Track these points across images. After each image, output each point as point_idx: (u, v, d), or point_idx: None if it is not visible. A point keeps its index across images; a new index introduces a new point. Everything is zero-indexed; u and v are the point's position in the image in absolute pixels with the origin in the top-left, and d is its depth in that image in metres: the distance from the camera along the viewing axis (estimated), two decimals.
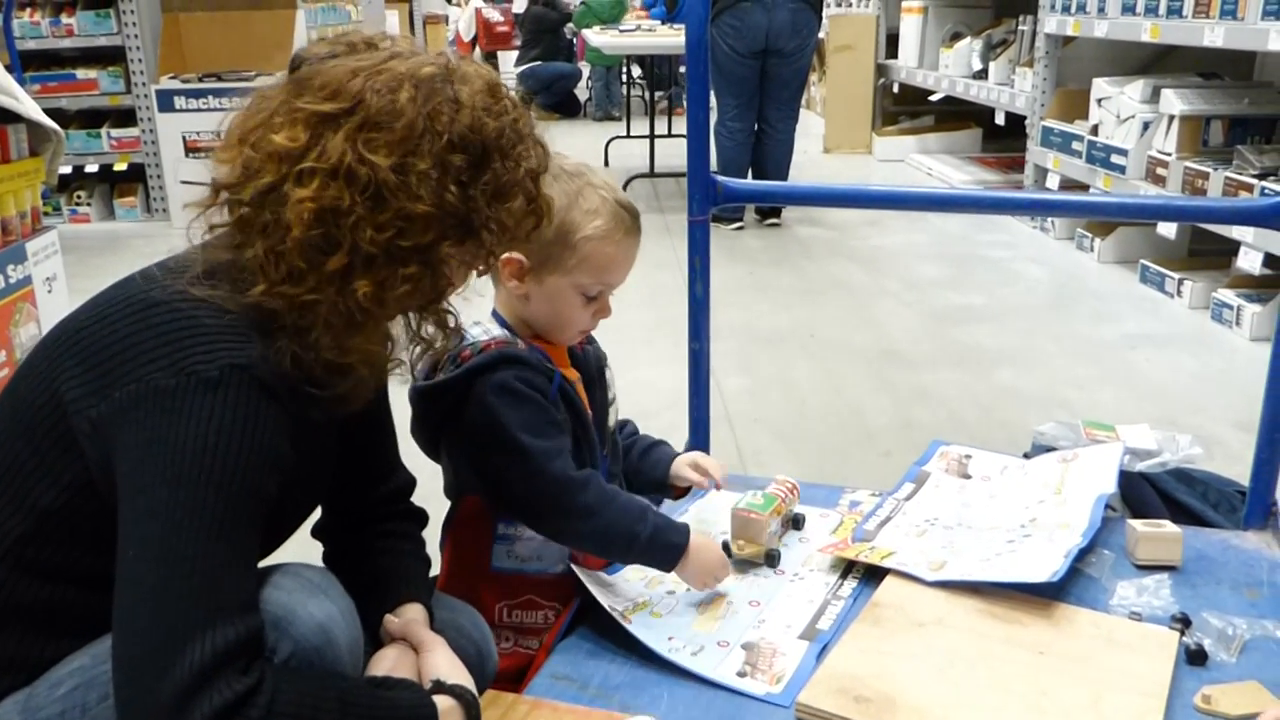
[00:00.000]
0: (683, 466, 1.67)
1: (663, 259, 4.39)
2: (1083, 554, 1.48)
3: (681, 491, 1.71)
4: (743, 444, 2.75)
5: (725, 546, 1.52)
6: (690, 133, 1.72)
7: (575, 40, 10.15)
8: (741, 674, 1.30)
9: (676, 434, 1.91)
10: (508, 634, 1.43)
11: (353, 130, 0.98)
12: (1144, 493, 1.79)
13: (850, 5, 8.16)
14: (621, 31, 6.86)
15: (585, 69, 10.12)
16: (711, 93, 1.91)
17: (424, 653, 1.11)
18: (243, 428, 0.93)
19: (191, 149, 5.46)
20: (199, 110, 5.40)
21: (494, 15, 12.10)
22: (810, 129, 7.43)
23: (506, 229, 1.06)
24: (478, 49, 12.63)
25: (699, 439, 1.93)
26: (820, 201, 4.20)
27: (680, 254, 4.53)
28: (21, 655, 1.04)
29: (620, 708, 1.23)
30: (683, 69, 5.05)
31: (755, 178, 5.14)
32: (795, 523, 1.66)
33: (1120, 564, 1.52)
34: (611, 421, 1.60)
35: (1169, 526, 1.54)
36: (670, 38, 6.36)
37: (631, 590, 1.46)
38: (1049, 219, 4.93)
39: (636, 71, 9.81)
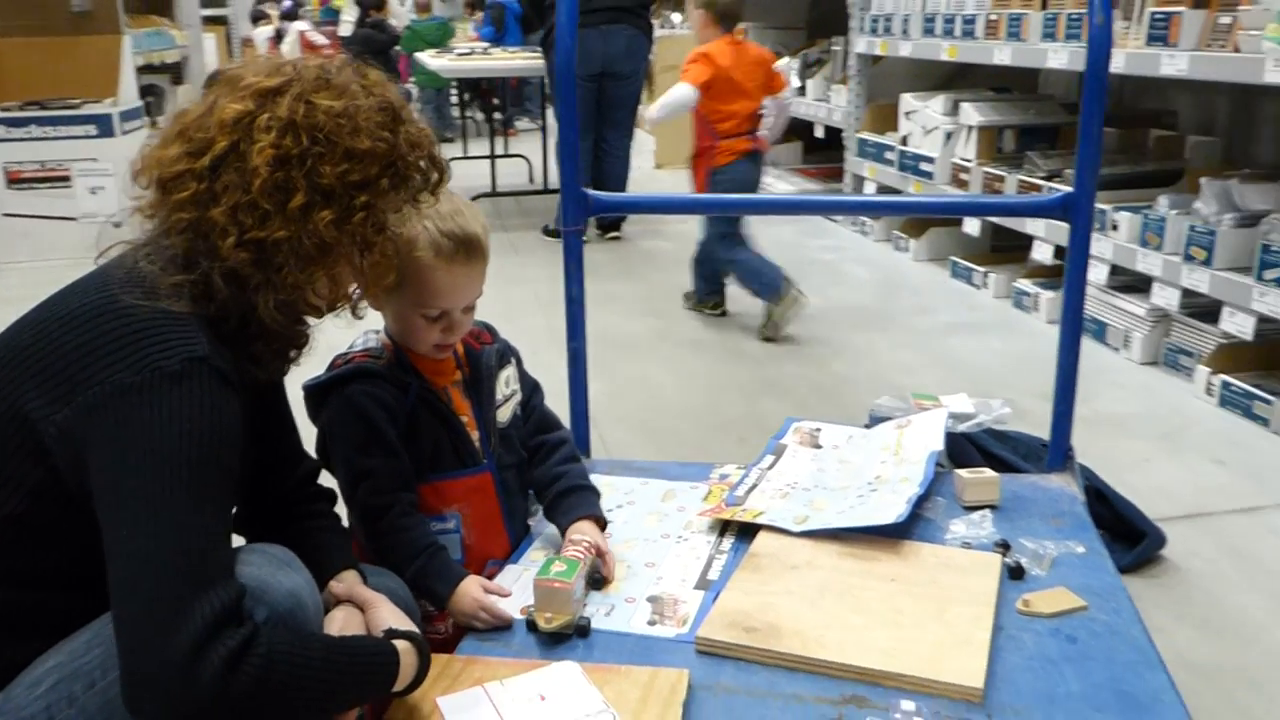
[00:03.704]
0: (570, 532, 1.66)
1: (513, 275, 4.56)
2: (921, 500, 1.75)
3: None
4: (608, 441, 2.94)
5: (530, 623, 1.46)
6: (562, 151, 1.92)
7: (399, 62, 10.18)
8: (651, 623, 1.49)
9: None
10: (445, 619, 1.53)
11: (297, 92, 1.16)
12: (966, 449, 2.09)
13: (675, 27, 8.51)
14: (459, 55, 6.98)
15: (413, 91, 10.17)
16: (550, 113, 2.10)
17: (370, 609, 1.27)
18: (209, 413, 1.06)
19: (14, 180, 5.29)
20: (22, 140, 5.24)
21: (318, 38, 11.95)
22: (642, 146, 7.70)
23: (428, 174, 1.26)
24: None
25: (579, 431, 2.12)
26: (689, 210, 4.46)
27: (529, 270, 4.73)
28: None
29: (543, 659, 1.40)
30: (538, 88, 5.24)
31: None
32: (596, 583, 1.58)
33: (951, 507, 1.79)
34: (505, 416, 1.68)
35: (988, 473, 1.82)
36: (508, 61, 6.53)
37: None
38: (869, 223, 5.33)
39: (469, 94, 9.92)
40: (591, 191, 1.97)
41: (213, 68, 11.69)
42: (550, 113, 6.03)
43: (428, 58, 7.08)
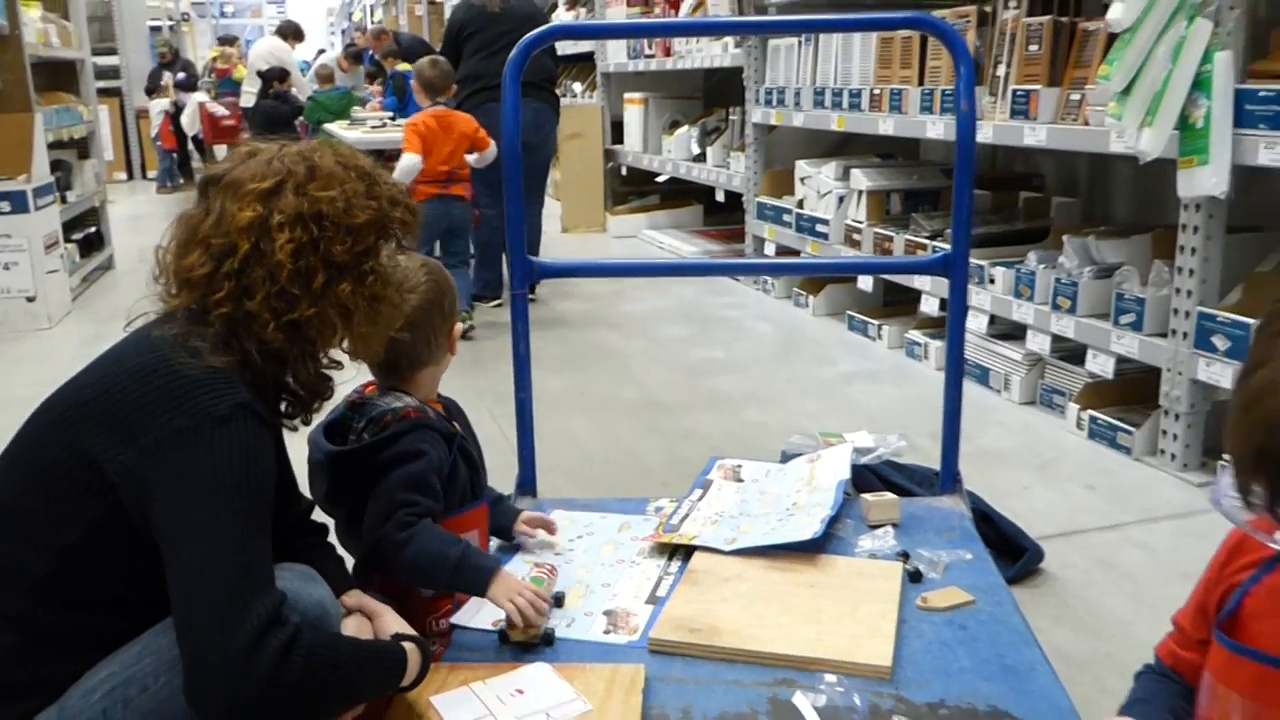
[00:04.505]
0: (520, 523, 1.99)
1: None
2: (832, 521, 2.01)
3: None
4: (540, 490, 3.15)
5: (502, 634, 1.66)
6: (510, 223, 2.15)
7: (301, 132, 10.29)
8: (607, 632, 1.71)
9: None
10: (436, 639, 1.72)
11: (294, 188, 1.37)
12: (869, 479, 2.37)
13: (577, 96, 8.85)
14: (373, 128, 7.18)
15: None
16: None
17: (377, 619, 1.47)
18: (252, 450, 1.27)
19: None
20: None
21: (219, 110, 11.98)
22: (549, 211, 7.99)
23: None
24: (191, 145, 12.49)
25: (527, 474, 2.33)
26: (624, 274, 4.75)
27: None
28: (47, 676, 1.29)
29: (517, 662, 1.61)
30: None
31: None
32: (558, 600, 1.78)
33: (859, 526, 2.06)
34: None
35: (889, 496, 2.10)
36: None
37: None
38: (770, 282, 5.67)
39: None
40: (535, 259, 2.21)
41: (108, 141, 11.67)
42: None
43: (339, 129, 7.26)
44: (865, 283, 4.82)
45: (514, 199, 2.15)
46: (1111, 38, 3.08)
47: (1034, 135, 3.57)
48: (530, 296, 5.66)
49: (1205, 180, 2.83)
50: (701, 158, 6.69)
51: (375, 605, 1.50)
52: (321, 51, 16.12)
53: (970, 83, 2.03)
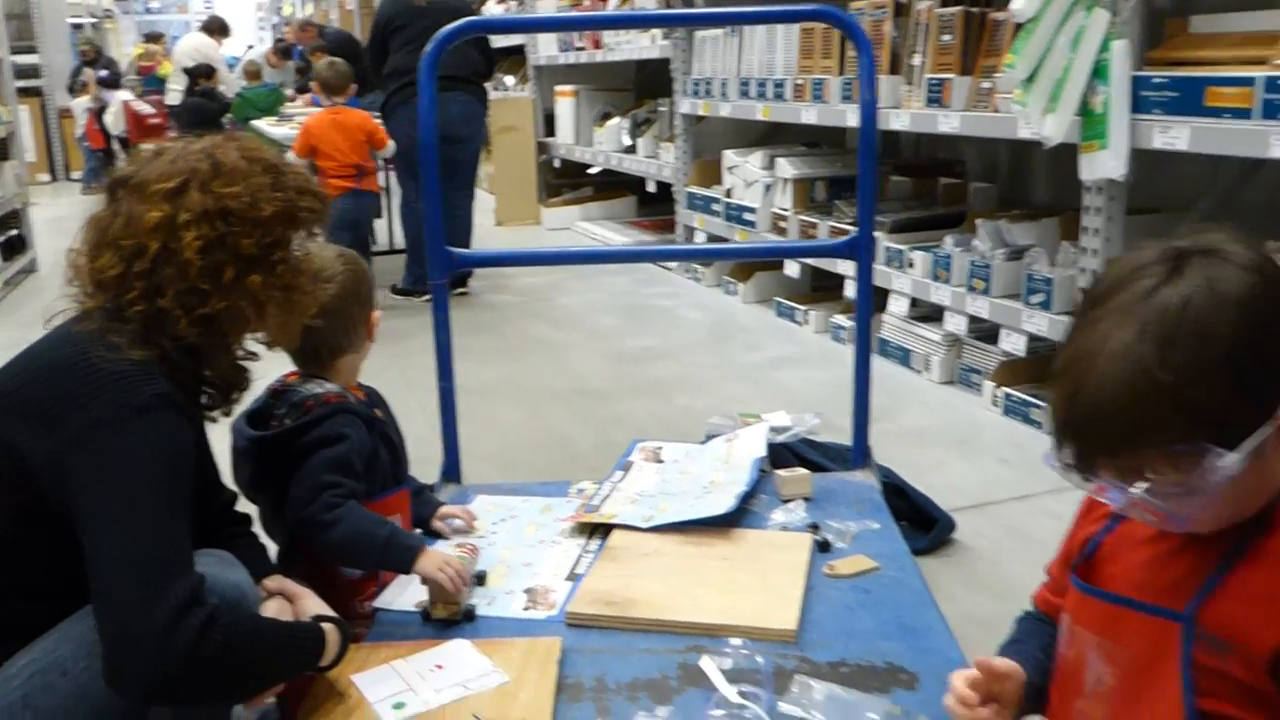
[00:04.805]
0: (436, 519, 2.01)
1: None
2: (748, 497, 2.08)
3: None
4: (468, 479, 3.19)
5: (424, 613, 1.72)
6: (428, 216, 2.19)
7: (231, 130, 10.17)
8: (527, 608, 1.77)
9: None
10: (360, 622, 1.77)
11: (199, 186, 1.40)
12: (785, 456, 2.44)
13: (509, 89, 8.86)
14: (301, 123, 7.10)
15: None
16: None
17: (297, 600, 1.51)
18: (170, 439, 1.31)
19: None
20: None
21: (144, 108, 11.76)
22: (482, 204, 7.98)
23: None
24: (116, 144, 12.26)
25: (451, 461, 2.38)
26: (540, 263, 4.81)
27: (380, 327, 4.91)
28: None
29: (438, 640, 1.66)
30: None
31: None
32: (480, 579, 1.84)
33: (773, 501, 2.14)
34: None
35: (801, 471, 2.18)
36: None
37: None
38: (701, 271, 5.75)
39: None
40: (453, 249, 2.25)
41: (29, 142, 11.39)
42: (393, 176, 6.25)
43: (267, 126, 7.19)
44: (792, 269, 4.92)
45: (431, 192, 2.19)
46: (1018, 27, 3.19)
47: (948, 122, 3.68)
48: (463, 291, 5.79)
49: (1105, 164, 2.95)
50: (632, 149, 6.74)
51: (296, 588, 1.54)
52: (250, 48, 15.89)
53: (871, 72, 2.11)
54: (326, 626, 1.45)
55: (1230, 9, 2.95)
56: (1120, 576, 1.09)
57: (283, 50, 11.60)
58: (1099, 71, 2.93)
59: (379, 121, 5.44)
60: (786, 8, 2.42)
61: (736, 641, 1.47)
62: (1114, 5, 2.91)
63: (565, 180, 8.22)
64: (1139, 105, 2.89)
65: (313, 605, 1.51)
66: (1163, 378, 0.91)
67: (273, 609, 1.49)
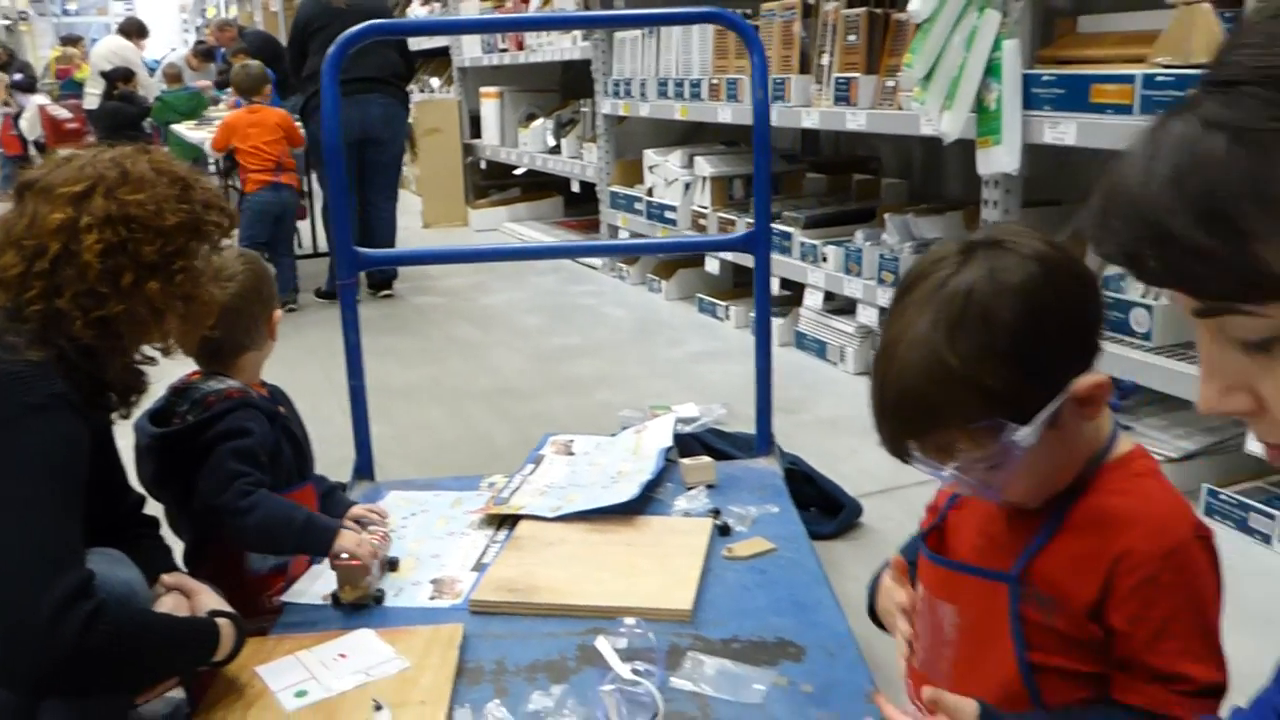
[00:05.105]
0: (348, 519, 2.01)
1: (289, 335, 4.72)
2: (652, 485, 2.15)
3: None
4: (389, 478, 3.21)
5: (334, 598, 1.76)
6: (333, 216, 2.23)
7: (154, 135, 10.01)
8: (432, 598, 1.81)
9: None
10: (271, 616, 1.79)
11: (104, 192, 1.43)
12: (693, 446, 2.51)
13: (434, 91, 8.84)
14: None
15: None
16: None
17: (195, 596, 1.54)
18: (67, 437, 1.33)
19: None
20: None
21: (61, 112, 11.52)
22: (409, 207, 7.97)
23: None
24: (34, 149, 11.98)
25: (363, 459, 2.41)
26: (448, 260, 4.84)
27: (304, 330, 4.91)
28: None
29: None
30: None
31: None
32: (392, 565, 1.89)
33: (678, 489, 2.20)
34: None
35: (705, 459, 2.24)
36: None
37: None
38: (626, 269, 5.81)
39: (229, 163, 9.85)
40: (361, 249, 2.28)
41: None
42: (315, 178, 6.22)
43: (186, 130, 7.11)
44: (713, 266, 4.99)
45: (337, 192, 2.22)
46: (917, 28, 3.29)
47: (855, 120, 3.78)
48: (388, 293, 5.79)
49: (1000, 158, 3.06)
50: (557, 150, 6.78)
51: (193, 584, 1.56)
52: (173, 50, 15.63)
53: (764, 72, 2.18)
54: (221, 621, 1.48)
55: (1115, 9, 3.08)
56: (964, 544, 1.18)
57: (203, 52, 11.44)
58: (992, 70, 3.05)
59: (299, 123, 5.42)
60: (679, 10, 2.47)
61: (631, 621, 1.53)
62: (1005, 6, 3.03)
63: (493, 182, 8.23)
64: (1030, 102, 3.01)
65: (209, 601, 1.53)
66: (953, 362, 0.99)
67: (168, 604, 1.52)
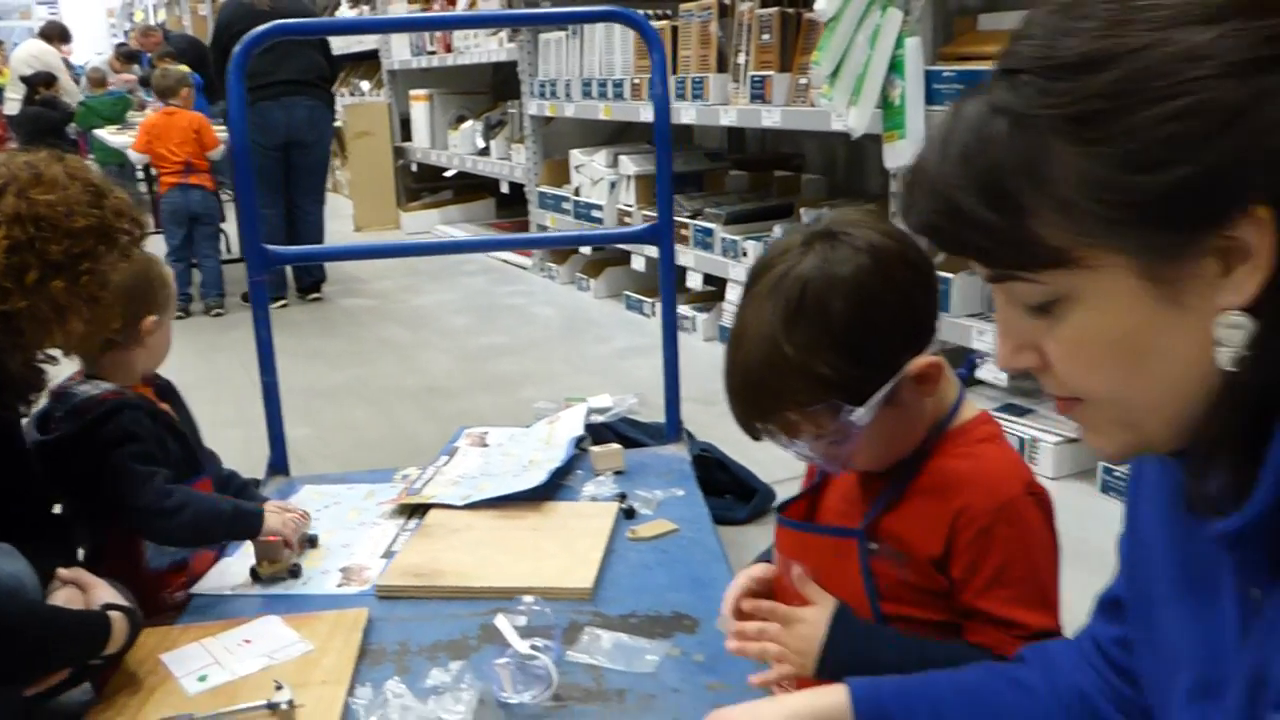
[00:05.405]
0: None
1: (215, 340, 4.73)
2: (562, 472, 2.20)
3: None
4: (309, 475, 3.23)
5: (253, 571, 1.85)
6: (242, 214, 2.24)
7: (78, 140, 9.84)
8: (341, 585, 1.84)
9: None
10: (173, 612, 1.80)
11: (16, 192, 1.46)
12: (606, 435, 2.57)
13: (364, 94, 8.80)
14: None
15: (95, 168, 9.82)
16: None
17: (90, 590, 1.55)
18: None
19: None
20: None
21: None
22: (340, 211, 7.94)
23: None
24: None
25: (278, 454, 2.43)
26: (356, 256, 4.86)
27: (231, 334, 4.89)
28: None
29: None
30: None
31: None
32: (312, 541, 1.98)
33: (587, 475, 2.25)
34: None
35: (613, 446, 2.30)
36: None
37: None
38: (555, 268, 5.85)
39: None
40: (270, 247, 2.30)
41: None
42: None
43: (108, 135, 7.02)
44: (639, 263, 5.06)
45: (246, 192, 2.25)
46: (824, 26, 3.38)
47: (770, 117, 3.86)
48: (316, 296, 5.77)
49: (905, 152, 3.16)
50: (486, 151, 6.80)
51: (89, 579, 1.57)
52: (100, 54, 15.34)
53: (663, 68, 2.24)
54: (114, 614, 1.49)
55: (1015, 7, 3.19)
56: (829, 511, 1.25)
57: (126, 55, 11.26)
58: (895, 66, 3.14)
59: (220, 126, 5.39)
60: (582, 9, 2.53)
61: (530, 600, 1.58)
62: (906, 5, 3.12)
63: (424, 184, 8.21)
64: (932, 97, 3.11)
65: (104, 595, 1.54)
66: (789, 351, 1.07)
67: (62, 597, 1.53)
